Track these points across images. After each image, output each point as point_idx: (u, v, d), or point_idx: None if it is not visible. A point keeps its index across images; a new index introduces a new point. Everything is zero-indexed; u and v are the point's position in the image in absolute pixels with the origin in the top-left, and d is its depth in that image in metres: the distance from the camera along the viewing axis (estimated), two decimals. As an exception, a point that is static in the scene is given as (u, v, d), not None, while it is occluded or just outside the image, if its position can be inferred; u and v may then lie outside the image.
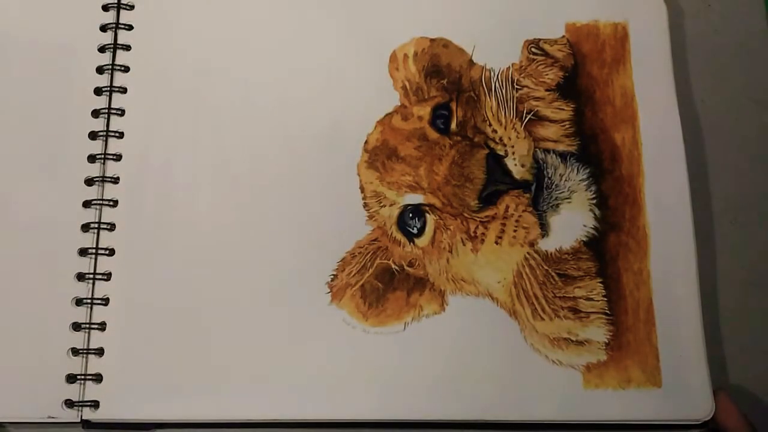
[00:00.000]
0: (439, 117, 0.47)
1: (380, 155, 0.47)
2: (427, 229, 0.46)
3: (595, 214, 0.46)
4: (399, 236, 0.46)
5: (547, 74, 0.48)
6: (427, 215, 0.46)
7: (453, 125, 0.47)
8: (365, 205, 0.46)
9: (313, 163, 0.46)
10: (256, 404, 0.43)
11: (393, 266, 0.45)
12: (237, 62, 0.48)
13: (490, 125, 0.47)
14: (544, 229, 0.46)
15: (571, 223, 0.46)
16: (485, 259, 0.45)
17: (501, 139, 0.47)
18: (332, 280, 0.45)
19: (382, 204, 0.46)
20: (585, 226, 0.46)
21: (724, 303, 0.47)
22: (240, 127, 0.47)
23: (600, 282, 0.45)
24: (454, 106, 0.47)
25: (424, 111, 0.47)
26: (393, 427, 0.44)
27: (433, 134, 0.47)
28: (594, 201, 0.46)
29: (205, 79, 0.47)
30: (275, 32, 0.48)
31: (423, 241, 0.46)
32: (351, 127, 0.47)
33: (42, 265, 0.44)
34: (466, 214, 0.45)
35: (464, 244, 0.45)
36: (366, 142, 0.47)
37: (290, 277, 0.45)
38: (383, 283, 0.45)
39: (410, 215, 0.46)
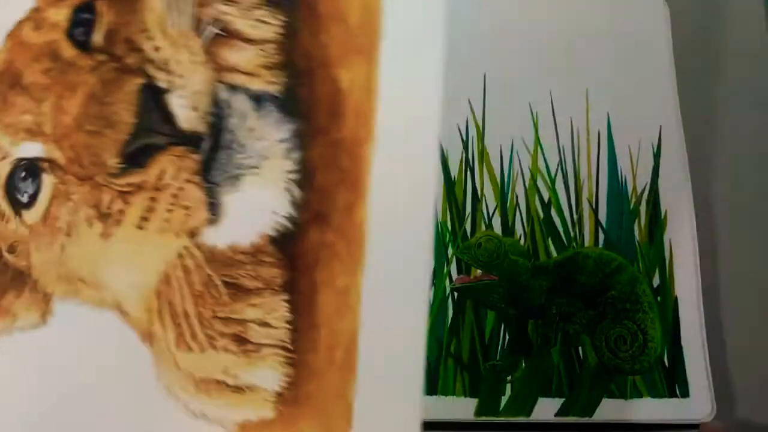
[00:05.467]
0: (80, 23, 0.31)
1: (2, 84, 0.31)
2: (40, 197, 0.31)
3: (292, 197, 0.30)
4: (4, 205, 0.31)
5: (246, -37, 0.30)
6: (44, 176, 0.31)
7: (97, 36, 0.31)
8: (-30, 157, 0.31)
9: None
10: None
11: (-13, 250, 0.31)
12: None
13: (152, 39, 0.30)
14: (215, 211, 0.30)
15: (256, 206, 0.30)
16: (119, 251, 0.30)
17: (166, 62, 0.30)
18: None
19: (-8, 155, 0.31)
20: (276, 213, 0.30)
21: (725, 304, 0.46)
22: None
23: (285, 300, 0.29)
24: (101, 5, 0.31)
25: (61, 15, 0.31)
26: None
27: (69, 50, 0.31)
28: (294, 176, 0.30)
29: None
30: None
31: (33, 215, 0.31)
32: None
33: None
34: (99, 179, 0.30)
35: (90, 225, 0.30)
36: (-14, 65, 0.32)
37: None
38: (-34, 274, 0.31)
39: (23, 175, 0.31)
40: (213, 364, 0.29)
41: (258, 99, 0.30)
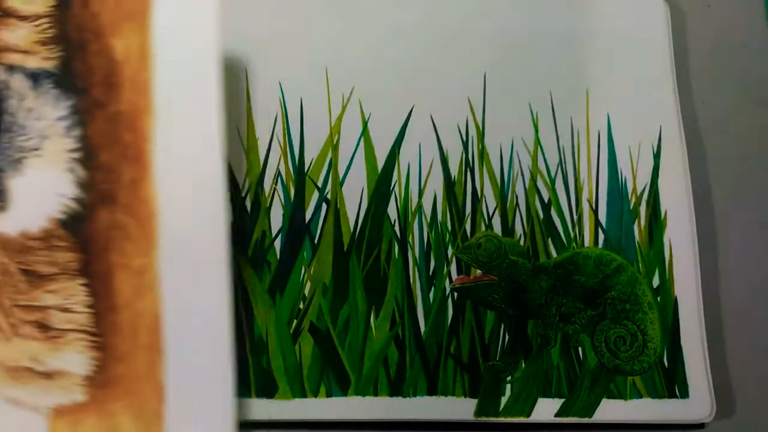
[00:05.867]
0: None
1: None
2: None
3: (76, 177, 0.30)
4: None
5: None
6: None
7: None
8: None
9: None
10: None
11: None
12: None
13: None
14: (1, 197, 0.31)
15: (41, 190, 0.31)
16: None
17: None
18: None
19: None
20: (62, 195, 0.31)
21: (725, 304, 0.46)
22: None
23: (82, 284, 0.31)
24: None
25: None
26: None
27: None
28: (77, 155, 0.30)
29: None
30: None
31: None
32: None
33: None
34: None
35: None
36: None
37: None
38: None
39: None
40: (20, 351, 0.30)
41: (35, 77, 0.30)
